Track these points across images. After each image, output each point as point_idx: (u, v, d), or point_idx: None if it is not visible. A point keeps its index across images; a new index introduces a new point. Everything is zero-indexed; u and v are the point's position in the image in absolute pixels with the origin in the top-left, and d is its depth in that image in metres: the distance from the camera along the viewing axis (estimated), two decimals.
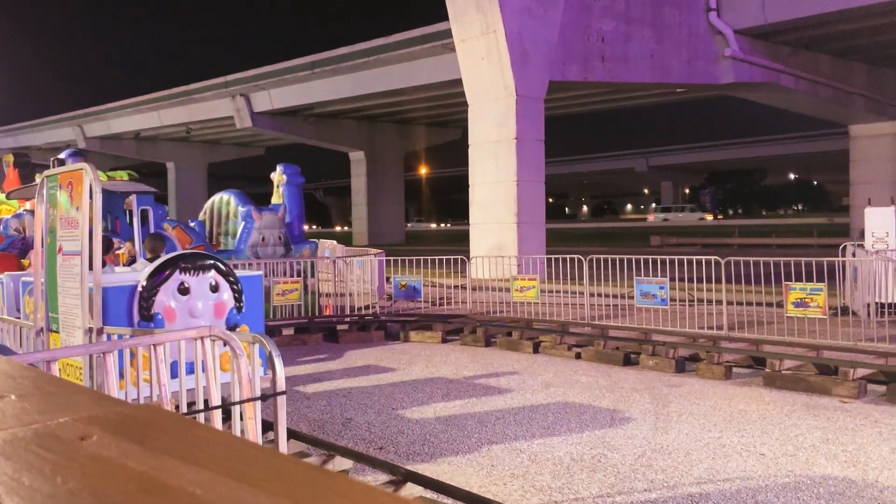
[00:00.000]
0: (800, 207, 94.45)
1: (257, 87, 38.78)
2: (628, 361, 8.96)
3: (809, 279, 9.90)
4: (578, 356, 9.44)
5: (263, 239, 13.11)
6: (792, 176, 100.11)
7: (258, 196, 16.54)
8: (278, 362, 2.92)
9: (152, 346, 3.04)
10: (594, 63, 20.48)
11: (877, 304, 10.30)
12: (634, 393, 7.46)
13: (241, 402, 2.87)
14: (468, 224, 20.95)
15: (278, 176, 14.37)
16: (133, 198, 10.78)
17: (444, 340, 11.02)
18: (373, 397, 7.55)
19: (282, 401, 2.88)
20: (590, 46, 20.27)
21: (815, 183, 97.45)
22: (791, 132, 71.38)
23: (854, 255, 11.30)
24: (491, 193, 19.62)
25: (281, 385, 2.87)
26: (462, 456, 5.57)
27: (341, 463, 5.15)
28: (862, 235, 12.35)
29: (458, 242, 31.39)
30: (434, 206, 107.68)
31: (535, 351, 9.94)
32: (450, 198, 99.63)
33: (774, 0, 22.39)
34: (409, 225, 73.78)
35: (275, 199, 14.63)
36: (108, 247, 9.55)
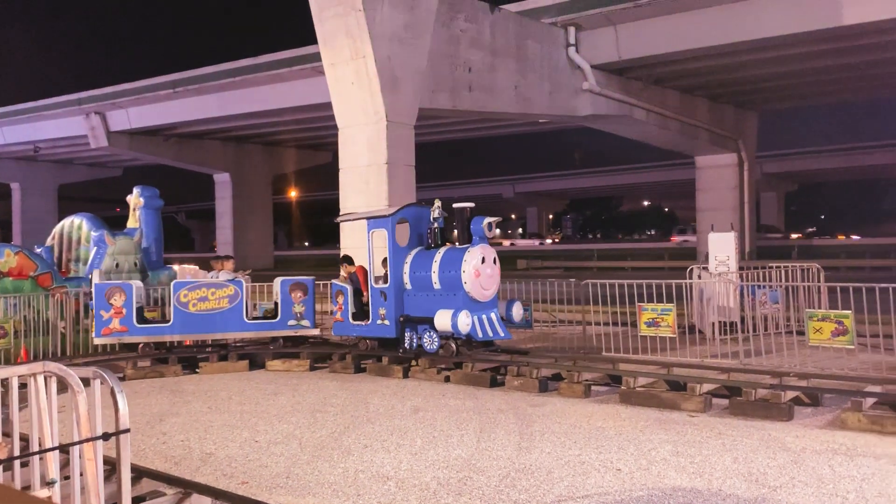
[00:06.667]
0: (652, 232, 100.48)
1: (114, 105, 36.76)
2: (495, 383, 9.14)
3: (661, 300, 10.53)
4: (447, 379, 9.52)
5: (118, 265, 12.36)
6: (646, 203, 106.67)
7: (115, 220, 15.63)
8: (121, 398, 2.72)
9: None
10: (462, 92, 20.96)
11: (720, 322, 11.10)
12: (500, 414, 7.60)
13: (79, 443, 2.65)
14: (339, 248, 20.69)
15: (135, 199, 13.63)
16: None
17: (313, 368, 10.80)
18: (235, 430, 7.26)
19: (125, 439, 2.68)
20: (458, 76, 20.74)
21: (667, 209, 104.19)
22: (645, 162, 76.06)
23: (700, 277, 12.12)
24: None
25: (124, 423, 2.68)
26: (328, 487, 5.44)
27: (199, 501, 4.88)
28: (707, 259, 13.23)
29: (330, 267, 31.03)
30: (305, 229, 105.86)
31: (406, 376, 9.93)
32: (321, 221, 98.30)
33: (626, 38, 23.89)
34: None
35: (131, 223, 13.86)
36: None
